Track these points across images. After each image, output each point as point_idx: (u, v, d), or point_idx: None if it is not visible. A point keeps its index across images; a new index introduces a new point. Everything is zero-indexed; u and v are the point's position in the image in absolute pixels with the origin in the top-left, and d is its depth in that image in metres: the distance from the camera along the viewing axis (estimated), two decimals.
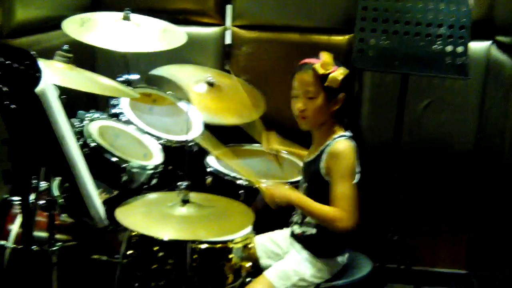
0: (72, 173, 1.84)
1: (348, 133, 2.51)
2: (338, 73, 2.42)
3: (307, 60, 2.50)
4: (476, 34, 3.07)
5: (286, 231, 2.69)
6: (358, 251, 2.72)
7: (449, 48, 2.92)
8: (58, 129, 1.76)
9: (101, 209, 1.99)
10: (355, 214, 2.38)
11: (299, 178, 2.72)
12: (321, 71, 2.42)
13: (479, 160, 3.42)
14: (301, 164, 2.79)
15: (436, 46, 2.93)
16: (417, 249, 3.60)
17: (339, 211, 2.37)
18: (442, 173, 3.52)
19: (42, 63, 1.71)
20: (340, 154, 2.43)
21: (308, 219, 2.54)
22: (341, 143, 2.46)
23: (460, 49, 2.90)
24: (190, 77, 3.24)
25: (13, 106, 1.92)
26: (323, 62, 2.43)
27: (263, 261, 2.67)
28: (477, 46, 3.29)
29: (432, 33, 2.93)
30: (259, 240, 2.69)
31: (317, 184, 2.50)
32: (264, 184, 2.59)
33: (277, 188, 2.50)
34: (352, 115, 2.56)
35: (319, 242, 2.51)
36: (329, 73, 2.42)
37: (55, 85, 2.34)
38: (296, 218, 2.62)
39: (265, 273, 2.53)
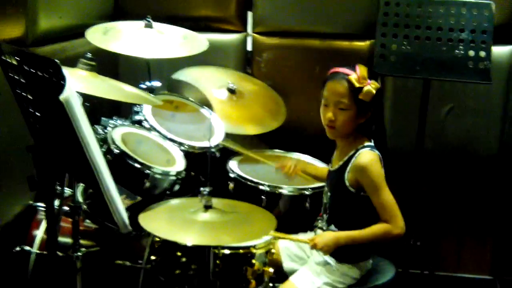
0: (96, 179, 1.85)
1: (371, 143, 2.51)
2: (372, 87, 2.42)
3: (340, 70, 2.48)
4: (498, 39, 3.05)
5: (310, 235, 2.69)
6: (381, 257, 2.72)
7: (471, 52, 2.91)
8: (82, 136, 1.78)
9: (124, 215, 2.01)
10: (401, 218, 2.42)
11: (322, 184, 2.73)
12: (357, 84, 2.41)
13: (503, 165, 3.39)
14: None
15: (458, 51, 2.92)
16: (440, 255, 3.58)
17: (387, 220, 2.41)
18: (466, 178, 3.49)
19: (66, 71, 1.73)
20: (367, 166, 2.43)
21: (332, 226, 2.55)
22: (365, 155, 2.46)
23: (482, 53, 2.88)
24: (212, 82, 3.26)
25: (38, 113, 1.96)
26: (359, 75, 2.42)
27: (286, 264, 2.67)
28: (500, 51, 3.27)
29: (454, 38, 2.91)
30: (283, 243, 2.69)
31: (341, 194, 2.51)
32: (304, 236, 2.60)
33: (321, 238, 2.47)
34: (378, 124, 2.54)
35: (344, 247, 2.50)
36: (363, 87, 2.41)
37: (79, 92, 2.38)
38: (320, 223, 2.62)
39: (291, 278, 2.54)
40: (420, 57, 2.95)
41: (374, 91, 2.41)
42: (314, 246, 2.46)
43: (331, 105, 2.46)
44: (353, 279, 2.55)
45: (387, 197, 2.42)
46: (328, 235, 2.47)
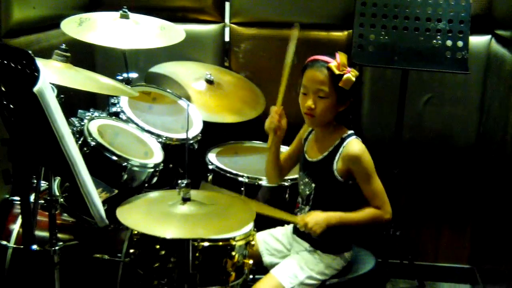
0: (72, 172, 1.83)
1: (353, 132, 2.51)
2: (352, 74, 2.41)
3: (319, 57, 2.46)
4: (476, 29, 3.06)
5: (287, 228, 2.69)
6: (361, 247, 2.72)
7: (449, 42, 2.92)
8: (57, 128, 1.75)
9: (101, 209, 1.99)
10: (389, 204, 2.46)
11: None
12: (337, 71, 2.39)
13: (481, 154, 3.41)
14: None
15: (435, 40, 2.93)
16: (420, 244, 3.60)
17: (379, 207, 2.43)
18: (444, 168, 3.52)
19: (40, 62, 1.70)
20: (360, 156, 2.43)
21: None
22: (355, 145, 2.46)
23: (460, 43, 2.90)
24: (190, 75, 3.25)
25: (12, 106, 1.92)
26: (340, 62, 2.40)
27: (265, 258, 2.66)
28: (477, 41, 3.28)
29: (432, 28, 2.93)
30: (260, 236, 2.68)
31: (329, 184, 2.49)
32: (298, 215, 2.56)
33: (311, 217, 2.44)
34: (355, 113, 2.54)
35: (326, 238, 2.50)
36: (343, 74, 2.40)
37: (54, 84, 2.35)
38: (299, 215, 2.61)
39: (272, 271, 2.52)
40: (398, 47, 2.96)
41: (353, 79, 2.40)
42: (304, 226, 2.42)
43: (310, 93, 2.44)
44: (336, 270, 2.56)
45: (378, 184, 2.45)
46: (319, 215, 2.43)
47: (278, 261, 2.60)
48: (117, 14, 3.01)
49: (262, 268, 2.61)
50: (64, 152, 1.78)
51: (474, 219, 3.53)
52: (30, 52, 1.69)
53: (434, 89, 3.42)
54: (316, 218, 2.42)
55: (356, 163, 2.43)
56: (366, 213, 2.44)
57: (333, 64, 2.40)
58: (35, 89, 1.68)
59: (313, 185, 2.54)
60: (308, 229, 2.42)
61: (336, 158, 2.46)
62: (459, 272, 3.61)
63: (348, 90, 2.41)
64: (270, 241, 2.68)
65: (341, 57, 2.41)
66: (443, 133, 3.48)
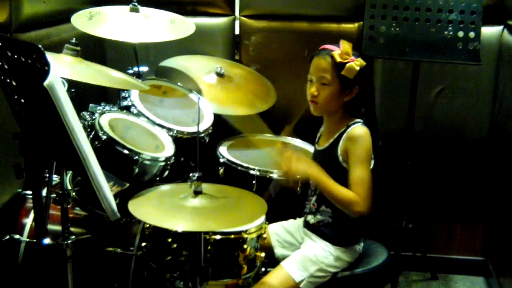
0: (83, 166, 1.83)
1: (361, 120, 2.49)
2: (355, 63, 2.40)
3: (326, 46, 2.47)
4: (488, 19, 3.04)
5: (299, 221, 2.68)
6: (373, 239, 2.71)
7: (460, 33, 2.90)
8: (67, 122, 1.75)
9: (112, 202, 1.99)
10: (369, 200, 2.37)
11: None
12: (339, 59, 2.40)
13: (493, 146, 3.39)
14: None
15: (447, 32, 2.91)
16: (432, 236, 3.58)
17: (355, 195, 2.36)
18: (457, 160, 3.50)
19: (50, 56, 1.70)
20: (359, 138, 2.42)
21: (323, 207, 2.53)
22: (359, 128, 2.45)
23: (472, 34, 2.88)
24: (200, 68, 3.24)
25: (23, 100, 1.93)
26: (342, 50, 2.41)
27: (277, 250, 2.66)
28: (489, 31, 3.25)
29: (443, 19, 2.91)
30: (272, 229, 2.69)
31: (334, 171, 2.47)
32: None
33: (298, 159, 2.44)
34: (368, 106, 2.52)
35: (336, 230, 2.49)
36: (346, 62, 2.40)
37: (64, 78, 2.36)
38: (309, 207, 2.60)
39: (283, 264, 2.52)
40: (409, 38, 2.95)
41: (357, 68, 2.40)
42: (287, 162, 2.43)
43: (315, 81, 2.46)
44: (347, 262, 2.55)
45: (365, 173, 2.39)
46: (306, 162, 2.44)
47: (290, 254, 2.60)
48: (126, 8, 3.01)
49: (274, 261, 2.61)
50: (75, 146, 1.78)
51: (487, 211, 3.51)
52: (40, 46, 1.68)
53: (446, 80, 3.40)
54: (301, 159, 2.43)
55: (353, 142, 2.42)
56: (344, 191, 2.38)
57: (336, 52, 2.40)
58: (46, 83, 1.68)
59: None
60: (288, 167, 2.43)
61: (340, 142, 2.46)
62: (472, 265, 3.60)
63: (352, 79, 2.41)
64: (282, 234, 2.68)
65: (344, 46, 2.41)
66: (455, 125, 3.46)
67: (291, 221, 2.71)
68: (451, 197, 3.55)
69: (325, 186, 2.41)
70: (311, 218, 2.59)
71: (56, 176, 2.51)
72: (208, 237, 2.33)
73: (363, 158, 2.40)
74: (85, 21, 2.90)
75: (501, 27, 3.30)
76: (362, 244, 2.60)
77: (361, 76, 2.44)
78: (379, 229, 2.82)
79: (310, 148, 2.99)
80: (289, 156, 2.44)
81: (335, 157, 2.47)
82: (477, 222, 3.56)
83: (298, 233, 2.67)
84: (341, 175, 2.45)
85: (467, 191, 3.53)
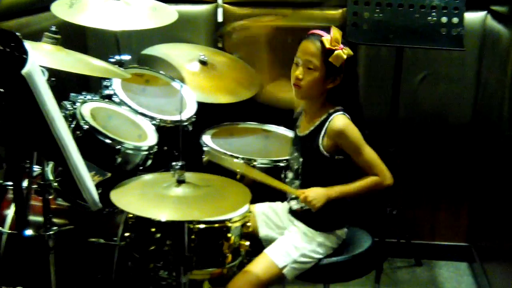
0: (63, 156, 1.81)
1: (341, 108, 2.49)
2: (344, 52, 2.39)
3: (316, 31, 2.45)
4: (471, 5, 3.04)
5: (286, 204, 2.68)
6: (357, 227, 2.71)
7: (444, 19, 2.90)
8: (46, 112, 1.73)
9: (94, 192, 1.97)
10: (387, 170, 2.46)
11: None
12: (328, 45, 2.39)
13: (477, 132, 3.40)
14: None
15: (430, 17, 2.91)
16: (416, 223, 3.60)
17: (377, 174, 2.44)
18: (440, 146, 3.51)
19: (28, 44, 1.68)
20: (345, 129, 2.43)
21: None
22: (339, 119, 2.45)
23: (455, 20, 2.88)
24: (183, 56, 3.21)
25: (1, 89, 1.90)
26: (332, 37, 2.39)
27: (263, 230, 2.66)
28: (472, 17, 3.25)
29: (427, 5, 2.91)
30: (260, 208, 2.68)
31: (314, 159, 2.49)
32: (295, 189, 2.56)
33: (311, 191, 2.44)
34: (352, 96, 2.52)
35: (318, 216, 2.49)
36: (335, 50, 2.39)
37: (45, 67, 2.32)
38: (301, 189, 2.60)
39: (266, 251, 2.52)
40: (392, 24, 2.94)
41: (344, 56, 2.39)
42: (305, 199, 2.43)
43: (300, 64, 2.45)
44: (330, 248, 2.55)
45: (371, 154, 2.45)
46: (318, 190, 2.44)
47: (274, 236, 2.61)
48: None
49: (259, 250, 2.60)
50: (54, 135, 1.76)
51: (471, 197, 3.53)
52: (17, 33, 1.66)
53: (430, 66, 3.40)
54: (316, 192, 2.43)
55: (342, 137, 2.43)
56: (365, 182, 2.45)
57: (326, 38, 2.39)
58: (24, 71, 1.65)
59: (301, 159, 2.55)
60: (308, 203, 2.43)
61: (322, 133, 2.46)
62: (456, 250, 3.62)
63: (338, 67, 2.40)
64: (269, 213, 2.68)
65: (334, 32, 2.40)
66: (439, 111, 3.47)
67: (278, 203, 2.71)
68: (435, 183, 3.56)
69: (349, 194, 2.47)
70: (294, 204, 2.59)
71: (37, 166, 2.48)
72: (192, 227, 2.31)
73: (359, 143, 2.44)
74: (66, 9, 2.86)
75: (484, 12, 3.30)
76: (345, 229, 2.60)
77: (347, 65, 2.43)
78: (364, 216, 2.82)
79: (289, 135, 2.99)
80: (306, 199, 2.43)
81: (317, 146, 2.47)
82: (460, 208, 3.58)
83: (285, 216, 2.66)
84: (322, 162, 2.47)
85: (451, 177, 3.54)
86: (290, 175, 2.62)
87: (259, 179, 2.47)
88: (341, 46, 2.40)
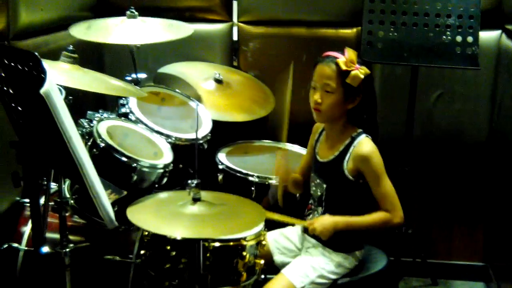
0: (80, 174, 1.83)
1: (361, 131, 2.49)
2: (360, 71, 2.39)
3: (330, 53, 2.45)
4: (485, 24, 3.04)
5: (298, 227, 2.67)
6: (372, 245, 2.70)
7: (458, 38, 2.90)
8: (64, 130, 1.75)
9: (110, 210, 1.98)
10: (400, 208, 2.43)
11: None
12: (344, 67, 2.38)
13: (492, 151, 3.38)
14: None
15: (445, 36, 2.91)
16: (432, 242, 3.57)
17: (386, 213, 2.41)
18: (456, 165, 3.49)
19: (46, 64, 1.70)
20: (371, 156, 2.41)
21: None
22: (367, 145, 2.44)
23: (470, 39, 2.88)
24: (198, 75, 3.24)
25: (20, 108, 1.92)
26: (347, 58, 2.39)
27: (277, 257, 2.65)
28: (487, 36, 3.25)
29: (441, 24, 2.90)
30: (272, 236, 2.67)
31: (340, 184, 2.48)
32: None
33: (319, 222, 2.45)
34: (371, 114, 2.52)
35: (337, 237, 2.48)
36: (351, 70, 2.38)
37: (62, 86, 2.35)
38: (312, 216, 2.59)
39: (283, 271, 2.50)
40: (407, 43, 2.94)
41: (361, 76, 2.39)
42: (313, 230, 2.44)
43: (318, 88, 2.44)
44: (347, 269, 2.54)
45: (388, 186, 2.42)
46: (326, 219, 2.45)
47: (289, 260, 2.59)
48: (124, 18, 3.00)
49: (273, 268, 2.60)
50: (72, 153, 1.78)
51: (487, 216, 3.50)
52: (36, 53, 1.68)
53: (445, 85, 3.39)
54: (323, 223, 2.44)
55: (365, 163, 2.42)
56: (374, 217, 2.43)
57: (341, 59, 2.39)
58: (42, 90, 1.67)
59: (325, 185, 2.53)
60: (317, 234, 2.44)
61: (347, 157, 2.45)
62: (473, 270, 3.58)
63: (356, 87, 2.40)
64: (281, 240, 2.67)
65: (349, 53, 2.40)
66: (454, 130, 3.45)
67: (289, 227, 2.70)
68: (450, 202, 3.54)
69: (357, 227, 2.45)
70: None
71: (54, 184, 2.50)
72: (207, 245, 2.31)
73: (380, 173, 2.42)
74: (83, 30, 2.90)
75: (499, 32, 3.30)
76: (363, 250, 2.59)
77: (365, 84, 2.42)
78: (379, 235, 2.80)
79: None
80: (314, 231, 2.44)
81: (342, 172, 2.46)
82: (477, 227, 3.55)
83: (298, 239, 2.65)
84: (347, 187, 2.46)
85: (467, 196, 3.52)
86: (311, 202, 2.61)
87: (268, 217, 2.45)
88: (357, 66, 2.39)
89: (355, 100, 2.44)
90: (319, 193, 2.55)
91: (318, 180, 2.56)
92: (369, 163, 2.41)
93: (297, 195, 2.75)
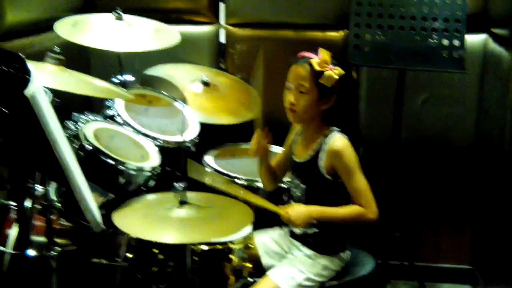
0: (66, 177, 1.81)
1: (338, 129, 2.48)
2: (334, 72, 2.39)
3: (305, 54, 2.45)
4: (472, 27, 3.05)
5: (285, 229, 2.66)
6: (360, 249, 2.70)
7: (445, 41, 2.90)
8: (49, 132, 1.73)
9: (97, 213, 1.97)
10: (375, 204, 2.40)
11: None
12: (317, 67, 2.38)
13: (479, 154, 3.40)
14: None
15: (432, 40, 2.91)
16: (419, 245, 3.58)
17: (360, 208, 2.40)
18: (443, 168, 3.50)
19: (32, 65, 1.69)
20: (342, 150, 2.41)
21: None
22: (338, 140, 2.44)
23: (456, 42, 2.88)
24: (185, 77, 3.23)
25: (5, 110, 1.90)
26: (321, 59, 2.39)
27: (264, 260, 2.64)
28: (473, 39, 3.27)
29: (428, 27, 2.91)
30: (260, 239, 2.66)
31: (318, 184, 2.48)
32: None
33: (292, 210, 2.44)
34: (348, 115, 2.52)
35: (322, 239, 2.49)
36: (325, 71, 2.39)
37: (48, 88, 2.33)
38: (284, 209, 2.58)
39: (269, 273, 2.49)
40: (394, 46, 2.95)
41: (335, 76, 2.39)
42: (288, 219, 2.42)
43: (293, 89, 2.44)
44: (334, 271, 2.54)
45: (362, 182, 2.41)
46: (300, 208, 2.44)
47: (276, 264, 2.58)
48: (111, 16, 2.99)
49: (261, 271, 2.59)
50: (57, 156, 1.77)
51: (474, 219, 3.51)
52: (20, 54, 1.67)
53: (431, 88, 3.40)
54: (297, 210, 2.43)
55: (338, 158, 2.41)
56: (349, 210, 2.42)
57: (314, 60, 2.39)
58: (27, 92, 1.66)
59: (304, 186, 2.53)
60: (291, 222, 2.43)
61: (321, 155, 2.45)
62: (460, 273, 3.59)
63: (330, 87, 2.40)
64: (269, 244, 2.66)
65: (322, 54, 2.40)
66: (441, 133, 3.46)
67: (277, 230, 2.70)
68: (438, 205, 3.55)
69: (331, 218, 2.44)
70: (297, 229, 2.57)
71: (40, 187, 2.48)
72: (194, 248, 2.31)
73: (352, 168, 2.41)
74: (69, 29, 2.88)
75: (485, 35, 3.31)
76: (348, 252, 2.59)
77: (340, 84, 2.42)
78: (366, 238, 2.81)
79: None
80: (287, 216, 2.43)
81: (318, 170, 2.46)
82: (464, 230, 3.56)
83: (284, 243, 2.65)
84: (325, 186, 2.46)
85: (454, 199, 3.53)
86: (293, 203, 2.60)
87: (246, 198, 2.44)
88: (331, 66, 2.39)
89: (330, 100, 2.44)
90: (299, 194, 2.55)
91: (296, 181, 2.56)
92: (341, 158, 2.41)
93: (284, 197, 2.74)
